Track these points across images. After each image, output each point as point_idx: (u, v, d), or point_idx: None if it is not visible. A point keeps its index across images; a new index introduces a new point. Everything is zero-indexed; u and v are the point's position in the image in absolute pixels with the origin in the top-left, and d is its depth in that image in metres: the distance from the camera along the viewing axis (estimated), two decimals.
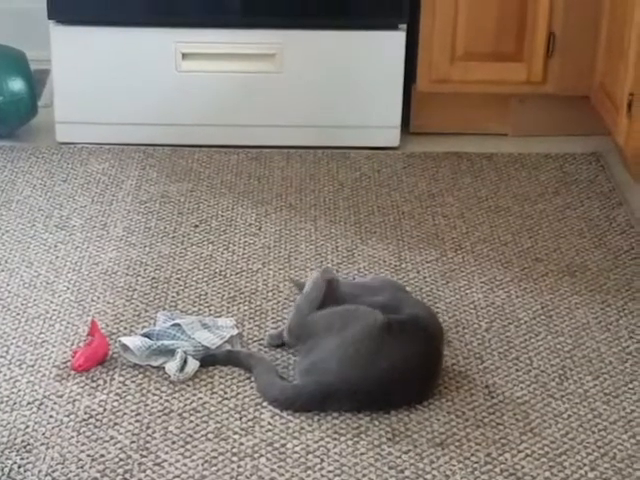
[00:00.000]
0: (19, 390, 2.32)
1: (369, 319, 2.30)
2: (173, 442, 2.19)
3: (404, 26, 3.29)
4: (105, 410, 2.27)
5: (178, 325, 2.46)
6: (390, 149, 3.40)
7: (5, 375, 2.36)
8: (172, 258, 2.82)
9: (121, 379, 2.36)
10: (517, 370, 2.43)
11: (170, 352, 2.40)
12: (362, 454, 2.17)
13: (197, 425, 2.24)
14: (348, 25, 3.29)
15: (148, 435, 2.21)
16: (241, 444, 2.19)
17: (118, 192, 3.13)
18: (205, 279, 2.73)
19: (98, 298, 2.64)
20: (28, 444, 2.17)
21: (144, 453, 2.16)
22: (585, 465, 2.16)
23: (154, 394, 2.32)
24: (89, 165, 3.27)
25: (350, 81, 3.33)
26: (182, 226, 2.97)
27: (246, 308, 2.62)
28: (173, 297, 2.65)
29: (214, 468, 2.13)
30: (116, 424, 2.23)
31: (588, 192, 3.19)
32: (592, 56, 3.30)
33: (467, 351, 2.48)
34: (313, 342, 2.32)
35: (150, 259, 2.81)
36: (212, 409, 2.28)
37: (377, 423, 2.25)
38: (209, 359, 2.41)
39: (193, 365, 2.38)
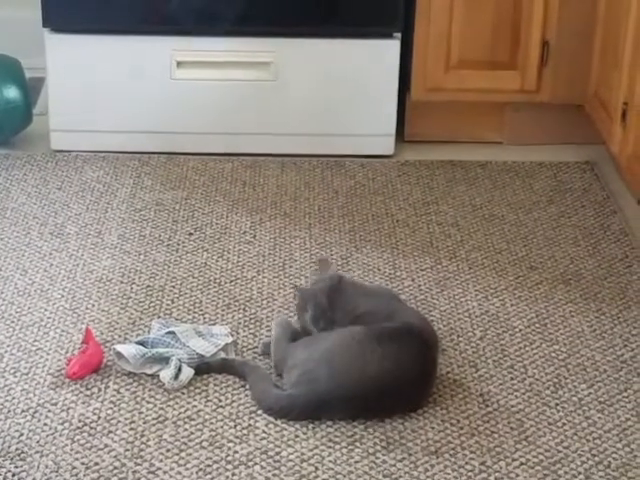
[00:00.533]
0: (13, 398, 2.32)
1: (354, 330, 2.31)
2: (167, 450, 2.19)
3: (399, 35, 3.29)
4: (99, 418, 2.27)
5: (173, 333, 2.46)
6: (385, 157, 3.41)
7: (0, 383, 2.36)
8: (167, 266, 2.81)
9: (115, 387, 2.36)
10: (512, 378, 2.43)
11: (165, 360, 2.40)
12: (356, 462, 2.17)
13: (191, 433, 2.24)
14: (343, 33, 3.30)
15: (142, 443, 2.20)
16: (235, 452, 2.19)
17: (113, 200, 3.13)
18: (200, 287, 2.73)
19: (93, 306, 2.64)
20: (22, 452, 2.17)
21: (138, 461, 2.16)
22: (580, 474, 2.16)
23: (148, 402, 2.32)
24: (84, 173, 3.27)
25: (345, 89, 3.34)
26: (177, 234, 2.97)
27: (240, 316, 2.62)
28: (168, 305, 2.65)
29: (208, 476, 2.12)
30: (110, 432, 2.23)
31: (582, 200, 3.19)
32: (586, 65, 3.31)
33: (461, 359, 2.49)
34: (294, 357, 2.33)
35: (145, 267, 2.81)
36: (206, 417, 2.28)
37: (371, 431, 2.25)
38: (203, 367, 2.41)
39: (187, 373, 2.38)
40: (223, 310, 2.64)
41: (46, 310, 2.62)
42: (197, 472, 2.13)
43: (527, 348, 2.53)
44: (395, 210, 3.12)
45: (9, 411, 2.28)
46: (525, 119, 3.49)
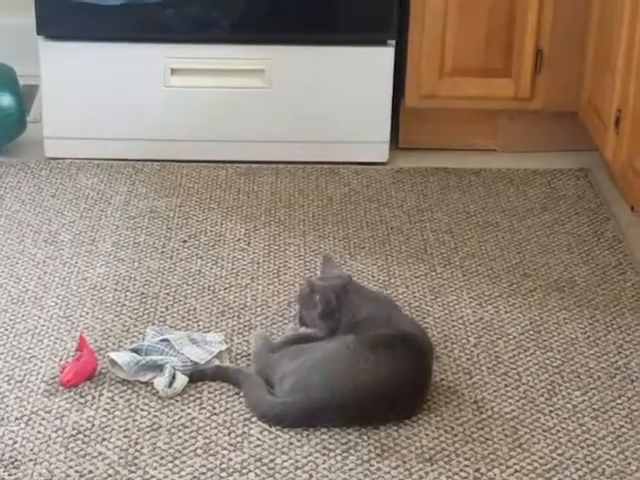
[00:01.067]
0: (7, 406, 2.31)
1: (347, 339, 2.31)
2: (162, 458, 2.18)
3: (393, 42, 3.29)
4: (93, 426, 2.26)
5: (167, 340, 2.45)
6: (379, 164, 3.41)
7: None
8: (161, 273, 2.81)
9: (109, 395, 2.36)
10: (506, 385, 2.43)
11: (159, 367, 2.39)
12: (351, 470, 2.17)
13: (186, 441, 2.23)
14: (337, 41, 3.30)
15: (136, 451, 2.20)
16: (230, 460, 2.19)
17: (107, 207, 3.13)
18: (194, 294, 2.73)
19: (87, 313, 2.64)
20: (16, 460, 2.17)
21: (132, 469, 2.15)
22: None
23: (143, 409, 2.32)
24: (78, 180, 3.27)
25: (339, 96, 3.34)
26: (171, 241, 2.97)
27: (235, 323, 2.62)
28: (162, 312, 2.65)
29: None
30: (104, 440, 2.23)
31: (576, 208, 3.20)
32: (580, 72, 3.32)
33: (456, 366, 2.49)
34: (282, 369, 2.33)
35: (139, 274, 2.81)
36: (201, 424, 2.28)
37: (366, 438, 2.25)
38: (198, 374, 2.41)
39: (182, 380, 2.37)
40: (217, 317, 2.64)
41: (40, 318, 2.61)
42: None
43: (521, 355, 2.53)
44: (389, 217, 3.12)
45: (2, 419, 2.27)
46: (519, 126, 3.49)
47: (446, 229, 3.07)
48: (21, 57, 3.51)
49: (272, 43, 3.30)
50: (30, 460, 2.17)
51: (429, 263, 2.90)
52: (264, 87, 3.32)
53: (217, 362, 2.45)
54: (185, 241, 2.97)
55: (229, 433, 2.26)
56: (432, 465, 2.19)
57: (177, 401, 2.34)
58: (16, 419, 2.28)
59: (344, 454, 2.21)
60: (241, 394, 2.35)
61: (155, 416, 2.30)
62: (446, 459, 2.20)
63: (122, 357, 2.40)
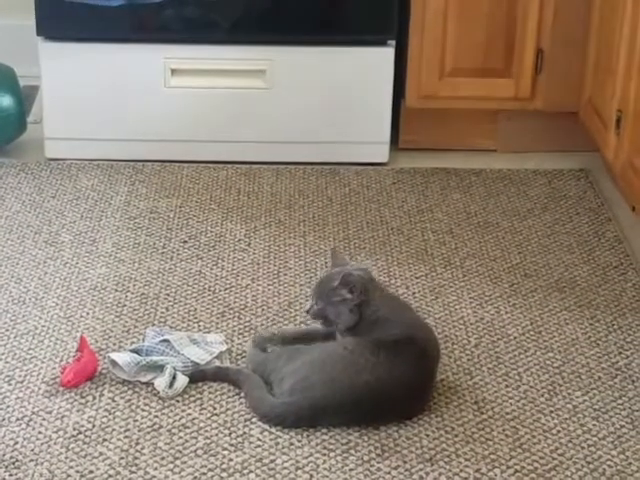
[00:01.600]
0: (8, 406, 2.31)
1: (345, 340, 2.31)
2: (162, 458, 2.18)
3: (393, 42, 3.29)
4: (94, 426, 2.26)
5: (167, 341, 2.45)
6: (379, 165, 3.41)
7: None
8: (161, 274, 2.81)
9: (110, 395, 2.35)
10: (506, 386, 2.43)
11: (159, 368, 2.39)
12: (351, 470, 2.17)
13: (186, 441, 2.23)
14: (337, 41, 3.30)
15: (137, 451, 2.20)
16: (230, 460, 2.19)
17: (107, 208, 3.13)
18: (194, 295, 2.73)
19: (87, 314, 2.63)
20: (17, 460, 2.17)
21: (133, 469, 2.15)
22: None
23: (143, 410, 2.31)
24: (78, 181, 3.27)
25: (339, 97, 3.34)
26: (171, 242, 2.97)
27: (235, 324, 2.62)
28: (162, 313, 2.65)
29: None
30: (105, 440, 2.23)
31: (577, 208, 3.20)
32: (580, 72, 3.32)
33: (456, 367, 2.48)
34: (280, 371, 2.32)
35: (139, 275, 2.80)
36: (201, 425, 2.28)
37: (366, 439, 2.25)
38: (198, 375, 2.41)
39: (182, 381, 2.37)
40: (217, 318, 2.64)
41: (40, 318, 2.61)
42: None
43: (522, 355, 2.53)
44: (389, 218, 3.12)
45: (3, 419, 2.27)
46: (519, 127, 3.49)
47: (447, 229, 3.06)
48: (21, 58, 3.51)
49: (272, 44, 3.30)
50: (31, 460, 2.17)
51: (429, 263, 2.90)
52: (264, 88, 3.32)
53: (217, 363, 2.45)
54: (185, 242, 2.97)
55: (230, 433, 2.26)
56: (432, 465, 2.19)
57: (178, 401, 2.34)
58: (17, 420, 2.28)
59: (344, 454, 2.21)
60: (242, 394, 2.35)
61: (156, 416, 2.30)
62: (447, 459, 2.20)
63: (123, 358, 2.40)
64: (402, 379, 2.26)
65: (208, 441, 2.23)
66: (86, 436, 2.24)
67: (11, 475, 2.13)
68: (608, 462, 2.21)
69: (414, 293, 2.76)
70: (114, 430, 2.26)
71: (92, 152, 3.38)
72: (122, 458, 2.18)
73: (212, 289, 2.75)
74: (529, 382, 2.44)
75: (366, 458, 2.20)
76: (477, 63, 3.34)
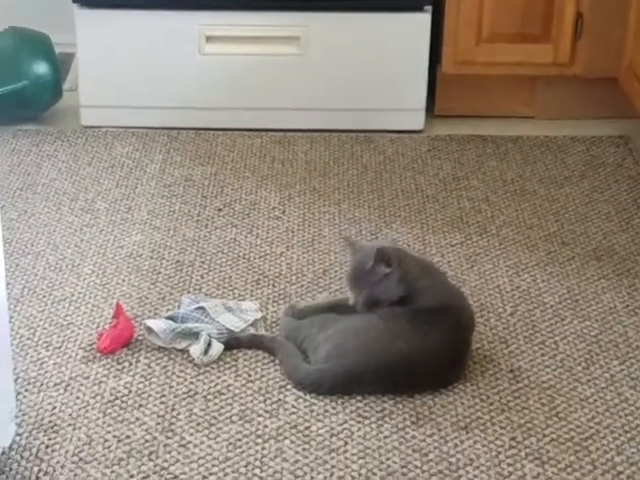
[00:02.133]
0: (46, 372, 2.33)
1: (379, 312, 2.30)
2: (198, 424, 2.19)
3: (429, 8, 3.27)
4: (130, 392, 2.28)
5: (202, 308, 2.46)
6: (414, 132, 3.39)
7: (32, 357, 2.37)
8: (196, 241, 2.82)
9: (146, 361, 2.37)
10: (542, 354, 2.42)
11: (194, 335, 2.40)
12: (386, 437, 2.17)
13: (222, 407, 2.24)
14: (373, 7, 3.27)
15: (173, 417, 2.21)
16: (265, 426, 2.19)
17: (142, 176, 3.13)
18: (229, 262, 2.73)
19: (123, 281, 2.64)
20: (55, 425, 2.18)
21: (169, 435, 2.16)
22: (611, 450, 2.15)
23: (179, 376, 2.32)
24: (114, 149, 3.28)
25: (374, 63, 3.32)
26: (206, 209, 2.97)
27: (270, 291, 2.62)
28: (197, 280, 2.65)
29: (238, 450, 2.13)
30: (141, 406, 2.24)
31: (615, 175, 3.17)
32: (621, 37, 3.27)
33: (492, 335, 2.47)
34: (315, 338, 2.32)
35: (174, 242, 2.81)
36: (236, 392, 2.28)
37: (401, 406, 2.25)
38: (233, 342, 2.41)
39: (217, 348, 2.38)
40: (252, 285, 2.64)
41: (77, 285, 2.63)
42: (227, 446, 2.14)
43: (558, 324, 2.52)
44: (425, 185, 3.10)
45: (42, 384, 2.29)
46: (557, 93, 3.45)
47: (482, 197, 3.05)
48: (57, 25, 3.52)
49: (307, 10, 3.28)
50: (69, 425, 2.18)
51: (465, 232, 2.88)
52: (299, 54, 3.31)
53: (252, 330, 2.45)
54: (220, 209, 2.97)
55: (264, 400, 2.26)
56: (467, 433, 2.18)
57: (213, 368, 2.35)
58: (55, 385, 2.29)
59: (379, 422, 2.21)
60: (276, 362, 2.36)
61: (191, 383, 2.31)
62: (482, 427, 2.20)
63: (158, 324, 2.41)
64: (436, 348, 2.26)
65: (243, 407, 2.24)
66: (123, 401, 2.25)
67: (50, 439, 2.15)
68: None
69: (449, 262, 2.75)
70: (150, 396, 2.27)
71: (127, 120, 3.38)
72: (158, 424, 2.19)
73: (247, 257, 2.75)
74: (566, 351, 2.43)
75: (401, 426, 2.20)
76: (515, 28, 3.30)
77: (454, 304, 2.34)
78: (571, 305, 2.59)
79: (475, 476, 2.09)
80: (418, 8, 3.27)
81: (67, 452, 2.12)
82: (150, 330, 2.41)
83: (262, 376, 2.33)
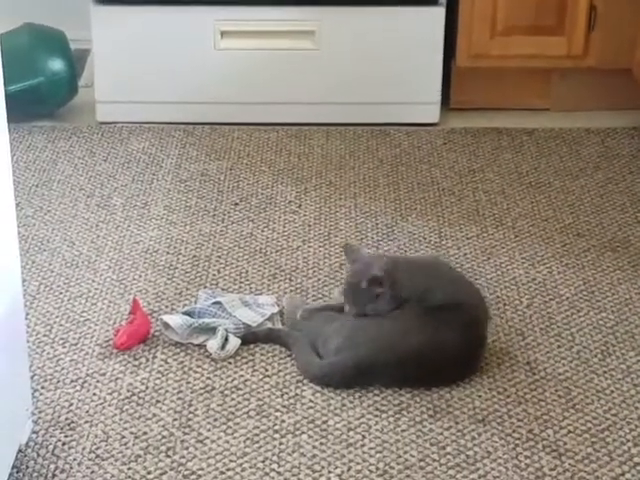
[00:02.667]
0: (62, 368, 2.34)
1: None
2: (215, 419, 2.20)
3: (444, 1, 3.26)
4: (147, 388, 2.29)
5: (219, 303, 2.47)
6: (430, 125, 3.39)
7: (49, 354, 2.38)
8: (212, 236, 2.82)
9: (163, 357, 2.37)
10: (559, 346, 2.41)
11: (211, 330, 2.41)
12: (403, 431, 2.18)
13: (239, 402, 2.25)
14: (387, 1, 3.27)
15: (190, 412, 2.22)
16: (283, 421, 2.20)
17: (158, 171, 3.14)
18: (245, 257, 2.74)
19: (139, 277, 2.65)
20: (72, 422, 2.19)
21: (186, 430, 2.17)
22: (628, 441, 2.15)
23: (196, 372, 2.33)
24: (129, 144, 3.29)
25: (389, 57, 3.32)
26: (222, 204, 2.97)
27: (287, 286, 2.62)
28: (214, 275, 2.66)
29: (256, 445, 2.14)
30: (158, 402, 2.25)
31: (630, 167, 3.16)
32: (634, 29, 3.26)
33: (508, 327, 2.47)
34: (323, 332, 2.32)
35: (191, 237, 2.82)
36: (254, 386, 2.29)
37: (418, 400, 2.25)
38: (250, 337, 2.42)
39: (234, 343, 2.39)
40: (269, 280, 2.64)
41: (94, 281, 2.64)
42: (245, 441, 2.14)
43: (574, 316, 2.52)
44: (441, 178, 3.10)
45: (58, 381, 2.30)
46: (572, 85, 3.45)
47: (498, 190, 3.04)
48: (72, 21, 3.53)
49: (322, 4, 3.28)
50: (86, 422, 2.19)
51: (481, 224, 2.88)
52: (314, 49, 3.31)
53: (269, 324, 2.46)
54: (236, 204, 2.98)
55: (282, 395, 2.27)
56: (485, 426, 2.18)
57: (230, 363, 2.36)
58: (71, 381, 2.30)
59: (396, 415, 2.21)
60: (292, 356, 2.36)
61: (208, 378, 2.31)
62: (499, 420, 2.20)
63: (175, 320, 2.41)
64: (447, 344, 2.25)
65: (260, 402, 2.25)
66: (140, 398, 2.26)
67: (66, 436, 2.16)
68: None
69: (465, 254, 2.75)
70: (167, 392, 2.28)
71: (143, 115, 3.39)
72: (175, 419, 2.20)
73: (263, 251, 2.76)
74: (582, 342, 2.43)
75: (418, 419, 2.20)
76: (529, 21, 3.30)
77: (467, 300, 2.34)
78: (587, 297, 2.58)
79: (492, 469, 2.09)
80: (433, 2, 3.26)
81: (84, 449, 2.13)
82: (167, 326, 2.42)
83: (279, 371, 2.33)
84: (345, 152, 3.25)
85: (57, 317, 2.51)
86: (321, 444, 2.14)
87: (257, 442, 2.15)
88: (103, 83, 3.36)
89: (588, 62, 3.35)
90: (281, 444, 2.14)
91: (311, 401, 2.25)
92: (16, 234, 2.03)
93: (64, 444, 2.14)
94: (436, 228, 2.86)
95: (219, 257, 2.73)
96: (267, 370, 2.34)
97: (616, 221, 2.89)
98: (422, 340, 2.24)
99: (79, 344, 2.42)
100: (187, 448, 2.13)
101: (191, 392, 2.28)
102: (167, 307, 2.54)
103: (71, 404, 2.24)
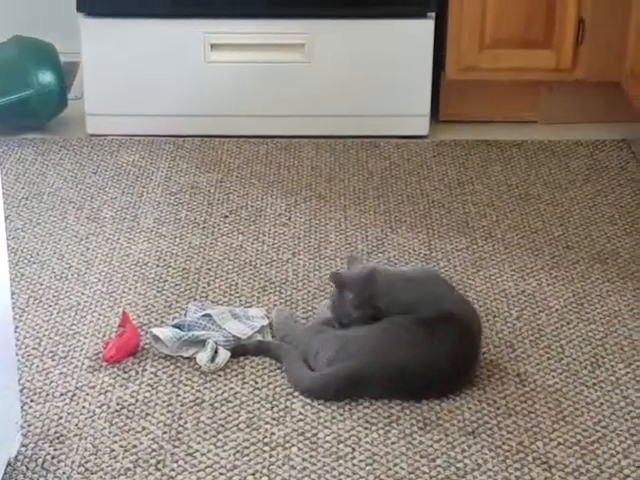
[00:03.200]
0: (52, 382, 2.34)
1: (378, 323, 2.32)
2: (205, 432, 2.20)
3: (433, 14, 3.27)
4: (137, 401, 2.28)
5: (209, 316, 2.46)
6: (419, 137, 3.39)
7: (38, 367, 2.38)
8: (202, 249, 2.82)
9: (153, 370, 2.37)
10: (549, 358, 2.42)
11: (201, 343, 2.41)
12: (393, 443, 2.17)
13: (229, 415, 2.25)
14: (377, 14, 3.28)
15: (180, 425, 2.22)
16: (273, 434, 2.20)
17: (148, 183, 3.14)
18: (235, 269, 2.74)
19: (129, 289, 2.65)
20: (61, 435, 2.19)
21: (176, 443, 2.17)
22: (618, 453, 2.15)
23: (185, 385, 2.33)
24: (119, 157, 3.29)
25: (379, 70, 3.33)
26: (212, 217, 2.97)
27: (276, 298, 2.62)
28: (204, 288, 2.66)
29: (246, 458, 2.13)
30: (148, 415, 2.24)
31: (619, 179, 3.17)
32: (622, 42, 3.28)
33: (498, 339, 2.48)
34: (313, 344, 2.33)
35: (180, 250, 2.82)
36: (243, 399, 2.29)
37: (408, 412, 2.25)
38: (240, 349, 2.42)
39: (224, 355, 2.38)
40: (259, 292, 2.64)
41: (83, 294, 2.63)
42: (234, 454, 2.14)
43: (564, 328, 2.52)
44: (430, 190, 3.11)
45: (48, 394, 2.30)
46: (560, 98, 3.46)
47: (487, 202, 3.05)
48: (62, 34, 3.53)
49: (311, 17, 3.29)
50: (75, 435, 2.19)
51: (470, 236, 2.89)
52: (304, 61, 3.32)
53: (259, 337, 2.46)
54: (226, 216, 2.98)
55: (272, 407, 2.27)
56: (475, 438, 2.18)
57: (220, 376, 2.36)
58: (61, 394, 2.30)
59: (386, 427, 2.21)
60: (283, 369, 2.36)
61: (198, 391, 2.31)
62: (489, 432, 2.20)
63: (165, 333, 2.41)
64: (441, 357, 2.25)
65: (250, 415, 2.24)
66: (129, 411, 2.25)
67: (56, 449, 2.15)
68: None
69: (455, 266, 2.75)
70: (157, 405, 2.27)
71: (133, 128, 3.39)
72: (165, 432, 2.20)
73: (253, 263, 2.76)
74: (571, 354, 2.43)
75: (408, 431, 2.20)
76: (517, 34, 3.31)
77: (459, 312, 2.33)
78: (576, 309, 2.59)
79: None
80: (421, 15, 3.27)
81: (73, 462, 2.12)
82: (157, 338, 2.42)
83: (269, 383, 2.33)
84: (335, 164, 3.25)
85: (46, 330, 2.50)
86: (311, 457, 2.14)
87: (247, 455, 2.14)
88: (93, 96, 3.36)
89: (576, 75, 3.37)
90: (271, 457, 2.14)
91: (301, 414, 2.25)
92: (5, 246, 2.03)
93: (53, 457, 2.13)
94: (426, 240, 2.87)
95: (209, 269, 2.73)
96: (257, 383, 2.34)
97: (605, 233, 2.90)
98: (415, 354, 2.24)
99: (68, 357, 2.41)
100: (177, 461, 2.13)
101: (181, 405, 2.27)
102: (157, 320, 2.53)
103: (60, 417, 2.23)
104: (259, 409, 2.26)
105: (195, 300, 2.61)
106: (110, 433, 2.19)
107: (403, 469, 2.11)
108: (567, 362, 2.41)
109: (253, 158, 3.28)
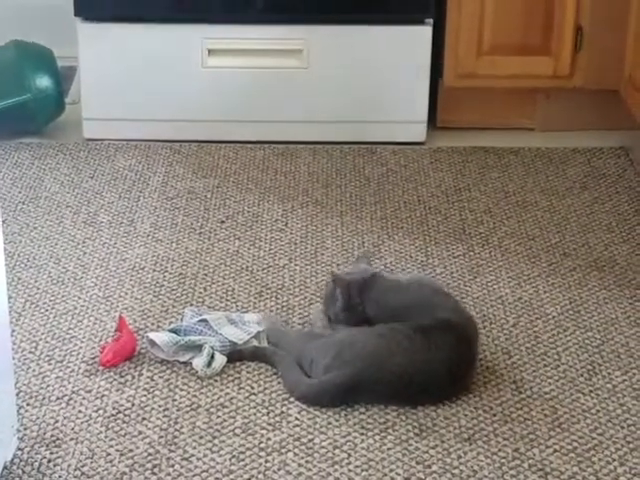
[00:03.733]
0: (48, 385, 2.33)
1: (379, 326, 2.33)
2: (201, 437, 2.20)
3: (430, 21, 3.28)
4: (133, 405, 2.28)
5: (205, 321, 2.46)
6: (416, 144, 3.39)
7: (34, 371, 2.38)
8: (199, 254, 2.82)
9: (149, 374, 2.37)
10: (545, 365, 2.42)
11: (197, 348, 2.40)
12: (389, 449, 2.17)
13: (225, 420, 2.24)
14: (374, 20, 3.28)
15: (176, 430, 2.21)
16: (268, 439, 2.19)
17: (145, 188, 3.14)
18: (232, 275, 2.73)
19: (126, 294, 2.65)
20: (57, 439, 2.18)
21: (172, 448, 2.17)
22: (614, 460, 2.15)
23: (182, 389, 2.33)
24: (116, 161, 3.29)
25: (376, 76, 3.33)
26: (209, 222, 2.97)
27: (273, 304, 2.62)
28: (200, 293, 2.66)
29: (242, 463, 2.13)
30: (144, 419, 2.24)
31: (616, 186, 3.17)
32: (621, 49, 3.28)
33: (494, 346, 2.48)
34: (306, 351, 2.33)
35: (177, 255, 2.82)
36: (239, 404, 2.29)
37: (404, 418, 2.25)
38: (236, 355, 2.41)
39: (220, 360, 2.38)
40: (255, 298, 2.64)
41: (80, 298, 2.63)
42: (230, 459, 2.14)
43: (560, 335, 2.52)
44: (427, 197, 3.11)
45: (44, 398, 2.29)
46: (558, 105, 3.46)
47: (484, 209, 3.05)
48: (60, 38, 3.53)
49: (309, 23, 3.29)
50: (71, 439, 2.19)
51: (467, 243, 2.89)
52: (301, 67, 3.32)
53: (255, 342, 2.46)
54: (223, 222, 2.98)
55: (268, 413, 2.26)
56: (471, 445, 2.18)
57: (216, 381, 2.35)
58: (57, 399, 2.29)
59: (382, 433, 2.21)
60: (279, 374, 2.36)
61: (194, 396, 2.31)
62: (485, 439, 2.20)
63: (161, 337, 2.41)
64: (438, 364, 2.25)
65: (246, 420, 2.24)
66: (125, 415, 2.25)
67: (52, 453, 2.15)
68: None
69: (452, 273, 2.75)
70: (153, 409, 2.27)
71: (130, 132, 3.39)
72: (161, 437, 2.19)
73: (250, 269, 2.76)
74: (568, 362, 2.43)
75: (404, 437, 2.20)
76: (515, 41, 3.31)
77: (456, 319, 2.33)
78: (573, 316, 2.59)
79: None
80: (419, 21, 3.28)
81: (69, 466, 2.12)
82: (153, 343, 2.42)
83: (265, 389, 2.33)
84: (332, 170, 3.25)
85: (43, 334, 2.50)
86: (307, 462, 2.14)
87: (243, 460, 2.14)
88: (90, 100, 3.36)
89: (574, 82, 3.37)
90: (267, 462, 2.14)
91: (297, 419, 2.25)
92: (2, 250, 2.02)
93: (49, 461, 2.13)
94: (422, 247, 2.87)
95: (205, 275, 2.73)
96: (253, 388, 2.33)
97: (602, 240, 2.90)
98: (412, 359, 2.24)
99: (65, 361, 2.41)
100: (173, 466, 2.12)
101: (177, 410, 2.27)
102: (153, 324, 2.53)
103: (57, 421, 2.23)
104: (255, 414, 2.26)
105: (191, 305, 2.60)
106: (106, 437, 2.19)
107: (399, 475, 2.11)
108: (563, 369, 2.41)
109: (250, 164, 3.28)
